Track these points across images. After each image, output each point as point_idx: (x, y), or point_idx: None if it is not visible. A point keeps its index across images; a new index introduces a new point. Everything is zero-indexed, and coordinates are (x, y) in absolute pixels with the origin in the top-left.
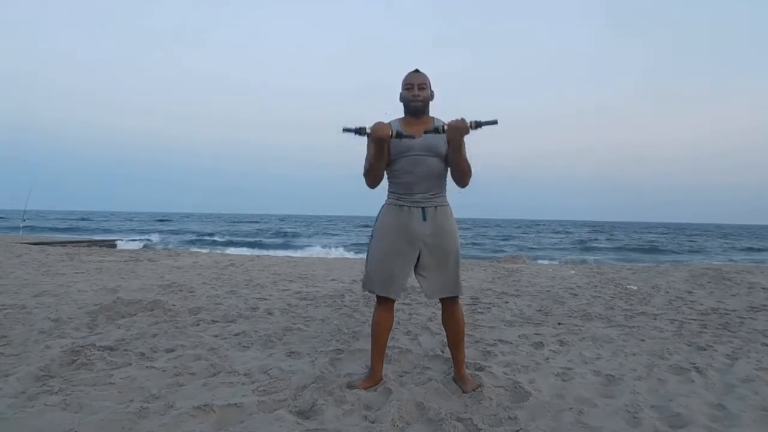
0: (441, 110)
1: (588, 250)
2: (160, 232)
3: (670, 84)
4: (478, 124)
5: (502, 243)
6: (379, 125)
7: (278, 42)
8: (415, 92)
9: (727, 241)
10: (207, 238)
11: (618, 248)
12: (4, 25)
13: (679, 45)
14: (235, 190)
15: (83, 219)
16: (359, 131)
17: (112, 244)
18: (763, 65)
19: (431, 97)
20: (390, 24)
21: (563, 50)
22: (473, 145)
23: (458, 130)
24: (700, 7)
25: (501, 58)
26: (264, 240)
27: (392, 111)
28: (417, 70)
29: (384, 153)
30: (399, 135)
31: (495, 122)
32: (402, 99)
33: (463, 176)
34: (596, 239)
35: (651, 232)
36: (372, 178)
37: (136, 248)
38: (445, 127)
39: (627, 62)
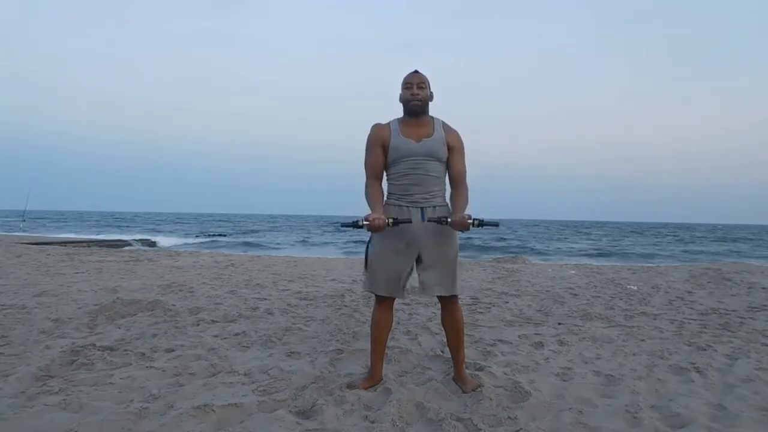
0: (439, 110)
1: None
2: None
3: (660, 84)
4: (480, 223)
5: (498, 243)
6: (375, 220)
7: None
8: (414, 91)
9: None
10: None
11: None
12: (16, 25)
13: (668, 44)
14: (238, 190)
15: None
16: (356, 225)
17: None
18: (753, 65)
19: (431, 97)
20: (386, 25)
21: (549, 51)
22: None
23: (459, 227)
24: (689, 7)
25: (491, 57)
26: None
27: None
28: (416, 71)
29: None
30: (396, 222)
31: (497, 224)
32: (401, 99)
33: None
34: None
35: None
36: None
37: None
38: (449, 220)
39: (614, 62)
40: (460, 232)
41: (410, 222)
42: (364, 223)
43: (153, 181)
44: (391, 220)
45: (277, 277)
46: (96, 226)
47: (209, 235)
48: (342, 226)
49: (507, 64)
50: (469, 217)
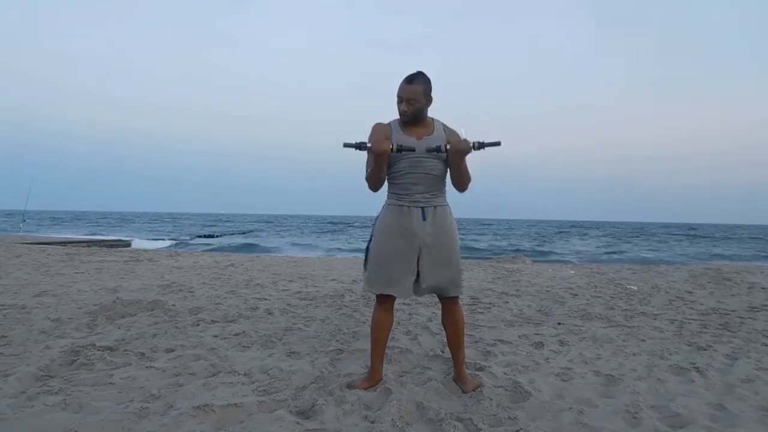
0: (438, 110)
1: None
2: None
3: (654, 84)
4: (481, 145)
5: (498, 243)
6: (379, 141)
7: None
8: (403, 108)
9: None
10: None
11: None
12: (17, 24)
13: (663, 45)
14: (241, 190)
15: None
16: (360, 146)
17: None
18: (747, 66)
19: (428, 104)
20: (389, 23)
21: (549, 51)
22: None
23: (460, 152)
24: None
25: (491, 57)
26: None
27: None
28: (410, 80)
29: (384, 164)
30: (399, 149)
31: (498, 143)
32: None
33: (462, 184)
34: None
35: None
36: (374, 183)
37: None
38: (447, 147)
39: (613, 62)
40: (459, 232)
41: (413, 150)
42: (368, 145)
43: (152, 180)
44: (395, 146)
45: (277, 277)
46: (84, 227)
47: (201, 236)
48: (345, 145)
49: (506, 64)
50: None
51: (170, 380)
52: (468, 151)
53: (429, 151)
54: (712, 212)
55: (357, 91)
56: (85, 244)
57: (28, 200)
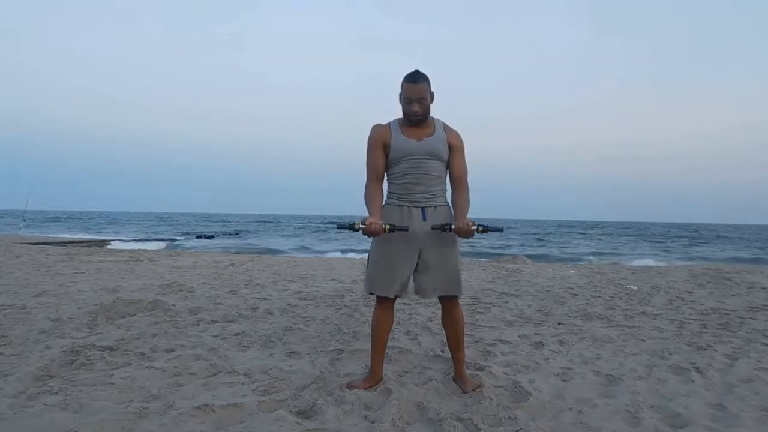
0: (437, 109)
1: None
2: None
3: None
4: (484, 229)
5: (498, 242)
6: (372, 227)
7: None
8: (415, 108)
9: None
10: None
11: None
12: (20, 24)
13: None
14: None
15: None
16: (352, 227)
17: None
18: (742, 66)
19: (431, 99)
20: (391, 22)
21: (548, 51)
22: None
23: (464, 234)
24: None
25: (490, 57)
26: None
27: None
28: (416, 79)
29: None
30: (392, 229)
31: (501, 230)
32: (403, 108)
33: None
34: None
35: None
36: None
37: None
38: (453, 227)
39: (611, 62)
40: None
41: (407, 230)
42: (361, 226)
43: (153, 180)
44: (388, 226)
45: (277, 277)
46: (76, 227)
47: (198, 237)
48: (338, 228)
49: (507, 64)
50: (473, 224)
51: (170, 380)
52: (471, 234)
53: (434, 228)
54: (712, 212)
55: (356, 91)
56: (85, 244)
57: (28, 200)
